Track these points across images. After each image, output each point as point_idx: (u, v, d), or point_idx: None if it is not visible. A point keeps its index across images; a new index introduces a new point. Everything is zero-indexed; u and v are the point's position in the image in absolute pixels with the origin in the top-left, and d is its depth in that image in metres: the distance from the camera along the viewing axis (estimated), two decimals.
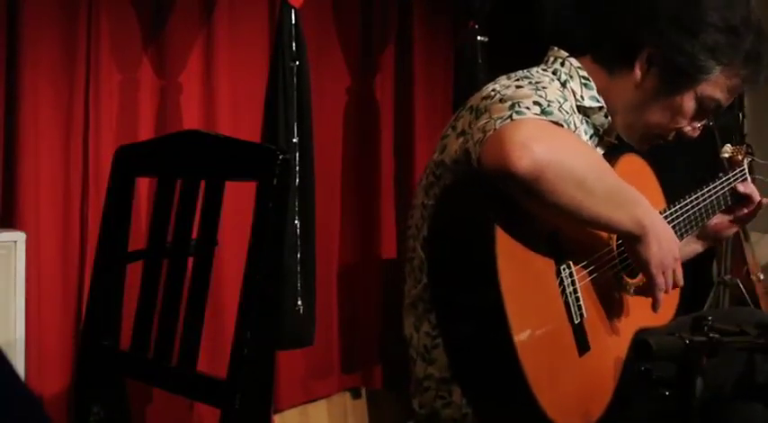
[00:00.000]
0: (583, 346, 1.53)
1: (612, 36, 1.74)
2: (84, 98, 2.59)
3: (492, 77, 1.68)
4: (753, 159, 2.09)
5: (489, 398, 1.48)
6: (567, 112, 1.54)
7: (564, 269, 1.52)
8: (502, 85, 1.58)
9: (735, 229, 2.00)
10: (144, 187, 2.61)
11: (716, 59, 1.68)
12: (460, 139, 1.59)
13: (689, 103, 1.71)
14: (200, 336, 1.65)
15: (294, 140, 2.72)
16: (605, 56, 1.73)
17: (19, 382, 0.86)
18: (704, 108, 1.72)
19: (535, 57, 1.80)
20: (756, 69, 1.71)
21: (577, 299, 1.53)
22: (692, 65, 1.67)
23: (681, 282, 1.64)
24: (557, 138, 1.43)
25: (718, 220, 1.96)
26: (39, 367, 2.48)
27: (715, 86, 1.70)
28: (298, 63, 2.73)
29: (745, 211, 1.95)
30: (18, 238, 2.32)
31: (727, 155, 2.11)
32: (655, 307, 1.62)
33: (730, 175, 1.95)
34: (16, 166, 2.49)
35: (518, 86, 1.55)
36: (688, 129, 1.76)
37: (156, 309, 1.72)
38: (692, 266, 2.01)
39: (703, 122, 1.77)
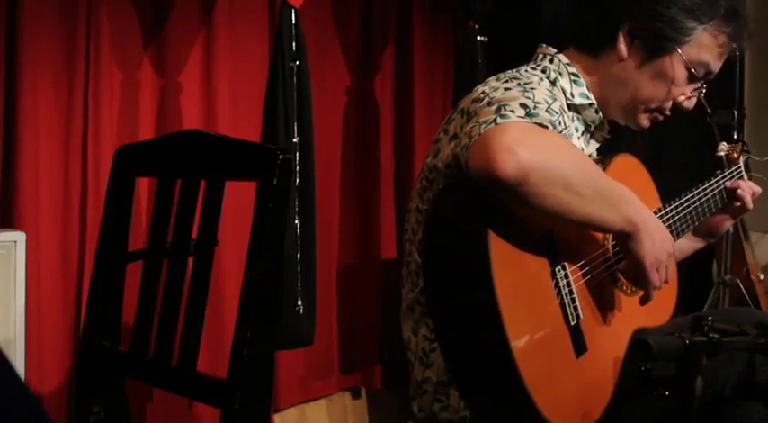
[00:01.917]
0: (580, 347, 1.53)
1: (591, 18, 1.76)
2: (83, 98, 2.59)
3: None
4: (749, 157, 2.09)
5: (487, 402, 1.48)
6: (557, 112, 1.54)
7: (559, 270, 1.52)
8: (491, 87, 1.58)
9: (729, 224, 2.00)
10: (144, 187, 2.61)
11: (697, 19, 1.70)
12: (452, 143, 1.59)
13: (679, 70, 1.72)
14: (200, 336, 1.65)
15: (294, 140, 2.72)
16: (588, 40, 1.75)
17: (19, 381, 0.86)
18: (695, 74, 1.74)
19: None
20: (738, 25, 1.73)
21: (573, 300, 1.53)
22: (674, 28, 1.69)
23: (672, 277, 1.64)
24: (541, 140, 1.42)
25: (714, 215, 1.95)
26: (39, 367, 2.48)
27: (701, 48, 1.72)
28: (298, 63, 2.73)
29: (737, 204, 1.95)
30: (18, 238, 2.32)
31: (723, 152, 2.11)
32: (643, 300, 1.63)
33: (726, 172, 1.95)
34: (16, 166, 2.49)
35: (506, 88, 1.54)
36: (682, 98, 1.77)
37: (156, 309, 1.72)
38: (692, 266, 2.02)
39: (696, 90, 1.78)
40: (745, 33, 1.75)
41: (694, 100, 1.79)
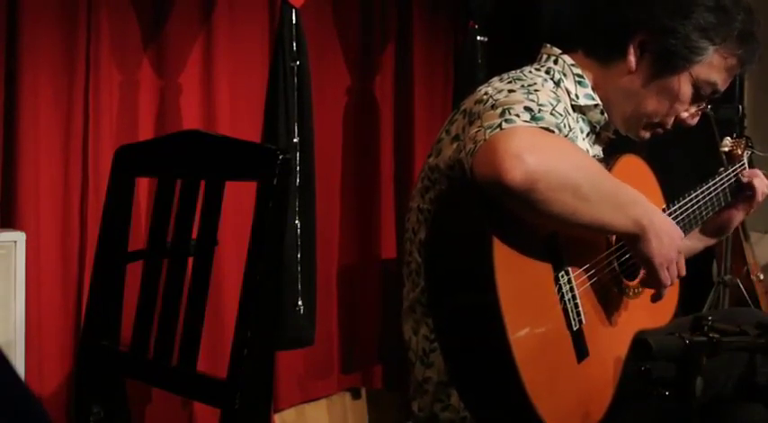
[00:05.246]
0: (581, 352, 1.52)
1: (603, 26, 1.74)
2: (84, 98, 2.59)
3: (491, 77, 1.68)
4: (752, 152, 2.08)
5: (487, 405, 1.48)
6: (561, 115, 1.53)
7: (562, 276, 1.51)
8: (494, 88, 1.57)
9: (740, 219, 1.97)
10: (144, 187, 2.61)
11: (709, 39, 1.68)
12: (455, 144, 1.59)
13: (686, 88, 1.71)
14: (200, 336, 1.65)
15: (295, 140, 2.72)
16: (597, 48, 1.73)
17: (19, 381, 0.86)
18: (701, 93, 1.72)
19: (535, 57, 1.80)
20: (752, 48, 1.72)
21: (576, 305, 1.52)
22: (686, 46, 1.68)
23: (683, 272, 1.63)
24: (548, 145, 1.42)
25: (721, 212, 1.94)
26: (39, 367, 2.48)
27: (710, 68, 1.70)
28: (298, 63, 2.72)
29: (748, 193, 1.93)
30: (18, 238, 2.32)
31: (726, 148, 2.10)
32: (654, 298, 1.63)
33: (730, 170, 1.94)
34: (16, 166, 2.49)
35: (510, 90, 1.53)
36: (686, 115, 1.75)
37: (156, 309, 1.72)
38: (692, 266, 2.01)
39: (701, 108, 1.77)
40: (756, 56, 1.73)
41: (697, 118, 1.77)
